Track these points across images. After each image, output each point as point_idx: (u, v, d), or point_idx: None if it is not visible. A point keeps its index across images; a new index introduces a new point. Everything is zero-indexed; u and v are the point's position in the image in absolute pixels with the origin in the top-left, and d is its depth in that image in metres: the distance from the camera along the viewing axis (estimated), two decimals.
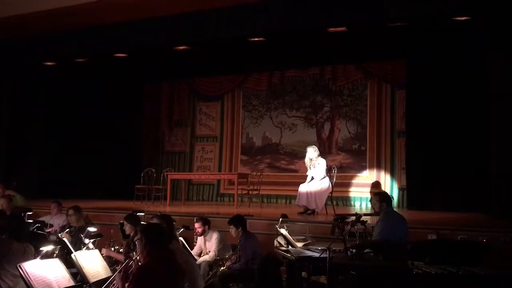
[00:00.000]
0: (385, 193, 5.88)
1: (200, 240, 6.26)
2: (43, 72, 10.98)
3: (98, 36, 9.09)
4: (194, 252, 6.12)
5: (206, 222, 6.19)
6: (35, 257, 4.25)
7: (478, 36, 7.98)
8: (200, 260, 5.90)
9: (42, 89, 11.42)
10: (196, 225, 6.17)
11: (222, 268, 5.70)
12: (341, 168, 10.20)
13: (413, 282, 4.17)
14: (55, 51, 9.63)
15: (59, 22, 8.82)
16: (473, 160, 8.55)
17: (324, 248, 4.52)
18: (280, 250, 5.53)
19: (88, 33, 9.11)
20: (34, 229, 6.52)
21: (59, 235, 6.03)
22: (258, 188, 9.83)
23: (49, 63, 10.41)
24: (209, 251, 6.03)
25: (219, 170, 11.99)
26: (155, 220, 4.87)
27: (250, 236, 5.78)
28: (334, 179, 8.36)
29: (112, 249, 5.75)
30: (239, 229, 5.74)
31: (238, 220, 5.82)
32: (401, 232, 5.16)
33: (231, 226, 5.80)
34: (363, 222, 5.23)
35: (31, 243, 4.49)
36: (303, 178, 8.52)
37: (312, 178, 8.24)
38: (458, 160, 8.76)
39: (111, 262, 5.37)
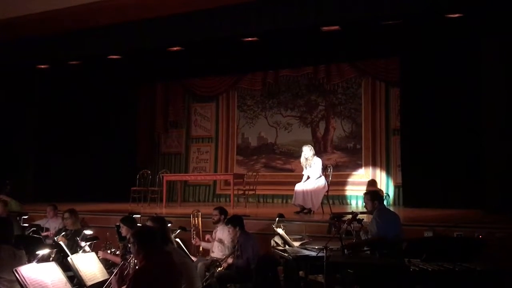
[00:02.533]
0: (374, 191, 5.92)
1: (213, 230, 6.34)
2: (36, 74, 10.92)
3: (91, 39, 9.04)
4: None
5: (223, 212, 6.28)
6: (30, 261, 4.21)
7: (472, 33, 8.00)
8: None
9: (35, 91, 11.33)
10: (214, 212, 6.31)
11: (219, 268, 5.69)
12: (336, 167, 10.21)
13: (410, 279, 4.18)
14: (48, 54, 9.57)
15: (52, 25, 8.77)
16: (468, 156, 8.58)
17: (321, 247, 4.53)
18: (277, 249, 5.54)
19: (81, 35, 9.07)
20: (30, 233, 6.50)
21: (55, 238, 6.01)
22: (254, 188, 9.82)
23: (42, 66, 10.36)
24: (219, 240, 6.11)
25: (215, 171, 11.97)
26: (148, 223, 4.85)
27: (248, 236, 5.78)
28: (330, 178, 8.36)
29: (109, 251, 5.73)
30: (237, 229, 5.75)
31: (236, 220, 5.84)
32: (397, 227, 5.19)
33: (229, 226, 5.82)
34: (360, 220, 5.25)
35: (24, 247, 4.44)
36: (299, 178, 8.53)
37: (308, 177, 8.25)
38: (453, 157, 8.79)
39: (108, 264, 5.34)
